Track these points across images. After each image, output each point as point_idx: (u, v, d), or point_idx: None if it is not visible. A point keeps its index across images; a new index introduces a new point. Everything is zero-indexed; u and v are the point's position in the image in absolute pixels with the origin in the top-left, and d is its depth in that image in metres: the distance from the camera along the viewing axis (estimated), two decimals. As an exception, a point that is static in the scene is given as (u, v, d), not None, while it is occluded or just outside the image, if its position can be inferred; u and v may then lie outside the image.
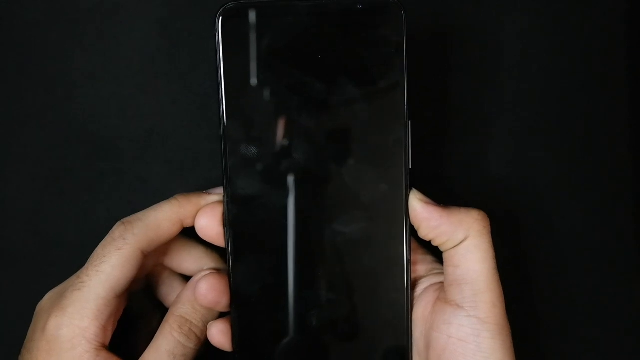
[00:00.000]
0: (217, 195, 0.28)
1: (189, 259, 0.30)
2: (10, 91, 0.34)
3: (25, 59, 0.34)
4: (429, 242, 0.27)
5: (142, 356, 0.27)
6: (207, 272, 0.29)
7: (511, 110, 0.35)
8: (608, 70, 0.36)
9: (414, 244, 0.29)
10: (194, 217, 0.28)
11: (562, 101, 0.36)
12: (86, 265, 0.27)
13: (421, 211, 0.26)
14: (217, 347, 0.28)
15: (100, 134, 0.34)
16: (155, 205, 0.28)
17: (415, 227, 0.27)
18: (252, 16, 0.26)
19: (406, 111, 0.26)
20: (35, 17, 0.34)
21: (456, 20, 0.35)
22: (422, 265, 0.29)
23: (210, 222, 0.27)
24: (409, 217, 0.27)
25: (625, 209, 0.36)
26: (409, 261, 0.27)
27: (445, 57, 0.35)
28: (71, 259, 0.34)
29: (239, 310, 0.27)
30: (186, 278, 0.31)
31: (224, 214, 0.27)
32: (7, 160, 0.34)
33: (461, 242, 0.26)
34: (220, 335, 0.28)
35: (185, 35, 0.34)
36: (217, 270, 0.29)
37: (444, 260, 0.27)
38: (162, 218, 0.27)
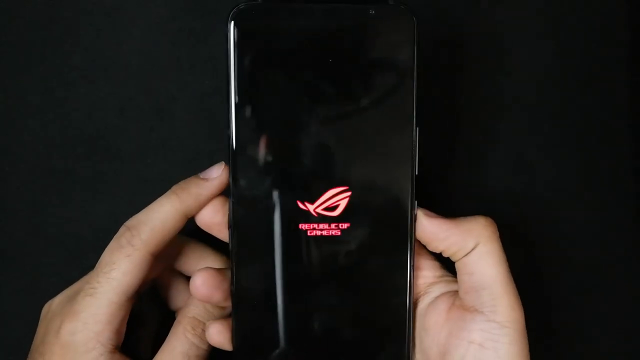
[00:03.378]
0: (212, 179, 0.28)
1: (202, 264, 0.30)
2: (10, 91, 0.34)
3: (24, 59, 0.34)
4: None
5: (156, 357, 0.28)
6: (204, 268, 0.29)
7: (512, 110, 0.36)
8: (609, 72, 0.36)
9: (422, 250, 0.29)
10: (197, 209, 0.28)
11: (563, 102, 0.36)
12: (95, 271, 0.27)
13: (428, 225, 0.27)
14: (216, 346, 0.28)
15: (100, 134, 0.34)
16: (155, 204, 0.28)
17: (425, 244, 0.27)
18: (264, 18, 0.26)
19: (414, 118, 0.26)
20: (35, 17, 0.34)
21: (457, 22, 0.35)
22: (429, 271, 0.29)
23: (211, 215, 0.28)
24: (414, 224, 0.27)
25: (626, 209, 0.36)
26: (412, 268, 0.27)
27: (447, 59, 0.35)
28: (71, 259, 0.35)
29: (240, 311, 0.27)
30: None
31: (228, 215, 0.27)
32: (7, 160, 0.34)
33: (472, 249, 0.26)
34: (218, 335, 0.28)
35: (185, 35, 0.34)
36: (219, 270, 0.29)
37: (457, 269, 0.27)
38: (166, 218, 0.27)
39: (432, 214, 0.27)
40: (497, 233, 0.26)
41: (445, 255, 0.27)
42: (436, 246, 0.27)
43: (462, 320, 0.26)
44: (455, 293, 0.28)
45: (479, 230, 0.26)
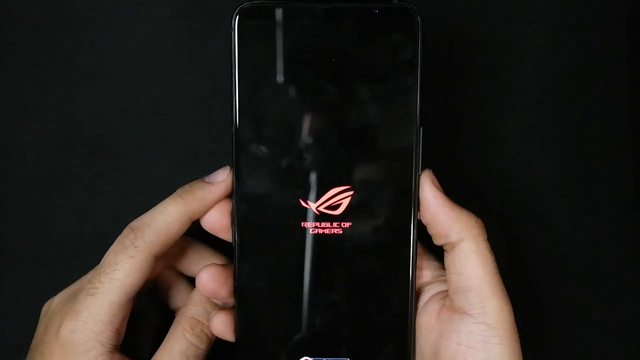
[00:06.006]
0: (218, 183, 0.28)
1: (202, 264, 0.30)
2: (10, 91, 0.34)
3: (25, 59, 0.34)
4: (435, 248, 0.27)
5: (155, 356, 0.28)
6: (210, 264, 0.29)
7: (512, 110, 0.36)
8: (609, 72, 0.36)
9: (420, 249, 0.29)
10: (202, 212, 0.28)
11: (563, 102, 0.36)
12: (97, 270, 0.27)
13: (427, 193, 0.27)
14: (219, 336, 0.28)
15: (100, 134, 0.34)
16: (160, 206, 0.28)
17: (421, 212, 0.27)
18: (268, 16, 0.26)
19: (418, 118, 0.26)
20: (35, 17, 0.34)
21: (459, 22, 0.35)
22: (428, 271, 0.29)
23: (218, 218, 0.28)
24: (416, 224, 0.27)
25: (626, 209, 0.36)
26: (414, 267, 0.27)
27: (448, 59, 0.35)
28: (71, 259, 0.35)
29: (242, 304, 0.28)
30: (193, 281, 0.31)
31: (232, 211, 0.27)
32: (7, 160, 0.34)
33: (455, 243, 0.26)
34: (222, 325, 0.28)
35: (185, 35, 0.34)
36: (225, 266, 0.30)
37: (446, 267, 0.27)
38: (171, 220, 0.27)
39: (437, 183, 0.27)
40: (485, 235, 0.26)
41: (428, 231, 0.27)
42: (423, 214, 0.27)
43: (451, 321, 0.26)
44: (446, 293, 0.28)
45: (466, 226, 0.26)
